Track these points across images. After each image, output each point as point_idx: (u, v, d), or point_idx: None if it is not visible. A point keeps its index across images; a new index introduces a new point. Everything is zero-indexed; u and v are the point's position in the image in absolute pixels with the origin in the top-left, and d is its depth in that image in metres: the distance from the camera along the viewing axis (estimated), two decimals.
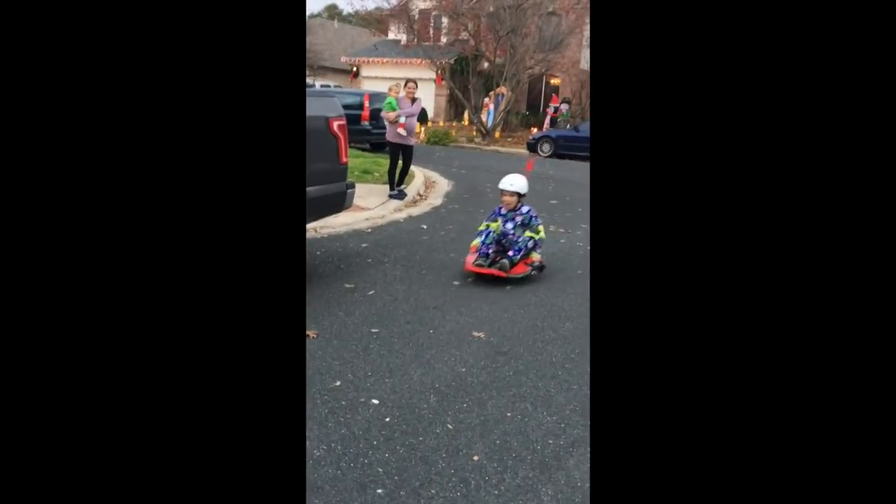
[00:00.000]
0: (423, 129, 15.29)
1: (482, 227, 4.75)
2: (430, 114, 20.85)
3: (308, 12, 28.14)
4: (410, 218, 6.88)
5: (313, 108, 4.14)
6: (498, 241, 4.69)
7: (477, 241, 4.69)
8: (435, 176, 10.20)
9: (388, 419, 2.49)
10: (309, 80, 22.23)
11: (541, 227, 4.74)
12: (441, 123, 20.88)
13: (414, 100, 7.83)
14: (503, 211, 4.79)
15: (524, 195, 4.78)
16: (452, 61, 21.02)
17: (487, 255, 4.60)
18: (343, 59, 26.11)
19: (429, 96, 21.18)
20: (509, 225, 4.73)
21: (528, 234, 4.64)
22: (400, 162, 7.87)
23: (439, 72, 20.15)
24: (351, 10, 38.18)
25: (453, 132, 18.29)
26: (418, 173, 9.66)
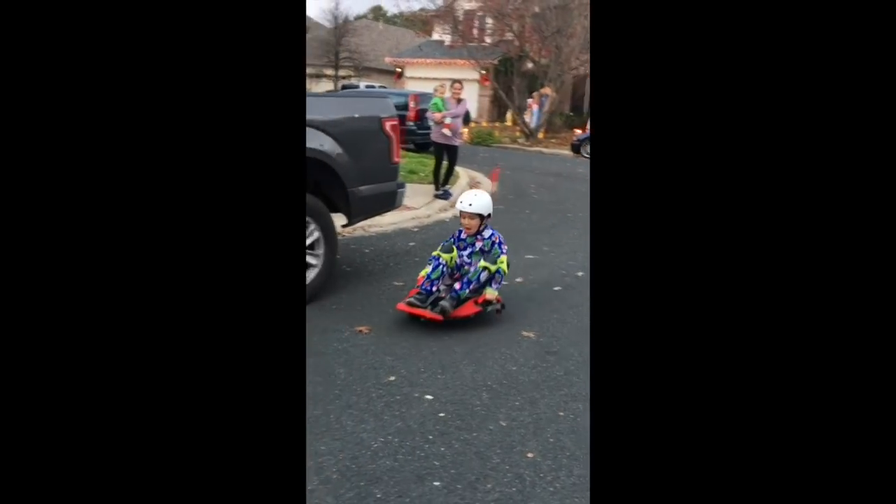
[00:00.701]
0: (466, 129, 15.37)
1: (436, 252, 3.79)
2: (474, 114, 20.90)
3: (354, 13, 28.52)
4: (456, 218, 6.92)
5: (367, 108, 4.24)
6: (451, 275, 3.79)
7: (425, 271, 3.74)
8: (479, 176, 10.23)
9: (442, 414, 2.54)
10: (354, 81, 22.53)
11: (504, 258, 3.70)
12: (484, 124, 20.92)
13: (459, 100, 7.88)
14: (463, 235, 3.82)
15: (487, 216, 3.77)
16: (497, 62, 21.02)
17: (430, 292, 3.64)
18: (387, 59, 26.38)
19: (472, 97, 21.23)
20: (466, 251, 3.80)
21: (481, 264, 3.64)
22: (445, 162, 7.93)
23: (484, 72, 20.17)
24: (396, 11, 38.58)
25: (496, 133, 18.30)
26: (463, 174, 9.72)
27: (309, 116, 3.72)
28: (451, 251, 3.78)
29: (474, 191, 3.86)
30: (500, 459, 2.23)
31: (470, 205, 3.70)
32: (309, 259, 3.85)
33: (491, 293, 3.63)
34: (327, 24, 28.22)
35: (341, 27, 27.66)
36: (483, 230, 3.80)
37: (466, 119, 8.24)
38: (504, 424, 2.48)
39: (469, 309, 3.57)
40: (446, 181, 8.05)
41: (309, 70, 24.93)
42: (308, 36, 24.94)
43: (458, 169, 8.73)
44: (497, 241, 3.76)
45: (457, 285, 3.64)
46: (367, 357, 3.06)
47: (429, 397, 2.68)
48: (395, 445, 2.29)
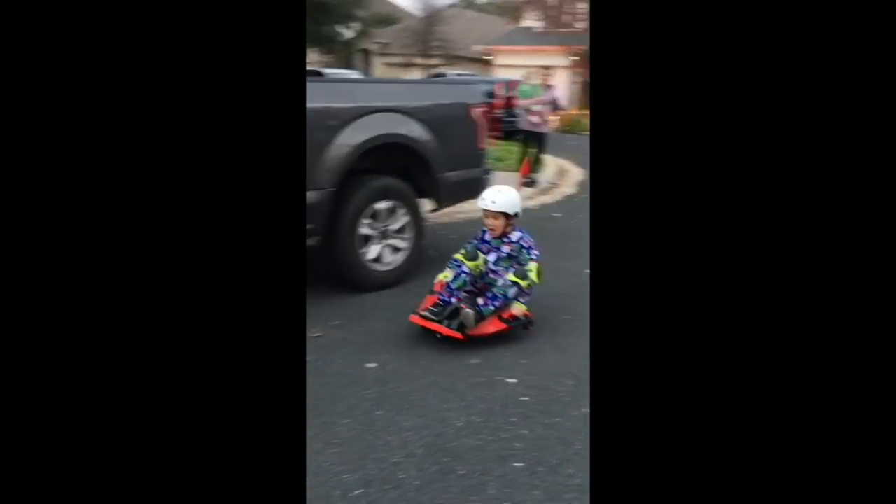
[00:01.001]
0: (556, 116, 15.16)
1: (459, 256, 3.28)
2: (564, 101, 20.58)
3: (445, 2, 28.66)
4: (543, 206, 6.87)
5: (456, 94, 4.29)
6: (474, 282, 3.28)
7: (445, 276, 3.22)
8: (567, 164, 10.07)
9: (525, 398, 2.55)
10: (443, 70, 22.68)
11: (534, 265, 3.17)
12: (574, 111, 20.53)
13: (548, 87, 7.78)
14: (488, 237, 3.34)
15: (515, 215, 3.26)
16: (588, 47, 20.52)
17: (449, 303, 3.13)
18: (476, 47, 26.34)
19: (563, 84, 20.87)
20: (492, 257, 3.29)
21: (511, 276, 3.13)
22: (533, 150, 7.87)
23: (574, 59, 19.77)
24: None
25: (585, 120, 17.90)
26: (551, 162, 9.59)
27: (398, 103, 3.81)
28: (476, 257, 3.25)
29: (499, 186, 3.35)
30: (582, 446, 2.22)
31: (493, 202, 3.18)
32: (397, 243, 3.96)
33: (519, 308, 3.14)
34: (418, 14, 28.53)
35: (432, 16, 27.88)
36: (510, 232, 3.28)
37: (556, 106, 8.11)
38: (587, 412, 2.46)
39: (494, 325, 3.10)
40: (534, 169, 7.98)
41: (398, 59, 25.31)
42: (399, 26, 25.33)
43: (545, 157, 8.63)
44: (527, 245, 3.24)
45: (481, 300, 3.12)
46: (452, 339, 3.11)
47: (512, 381, 2.70)
48: (477, 425, 2.33)
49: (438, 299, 3.16)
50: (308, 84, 3.82)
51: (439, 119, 4.00)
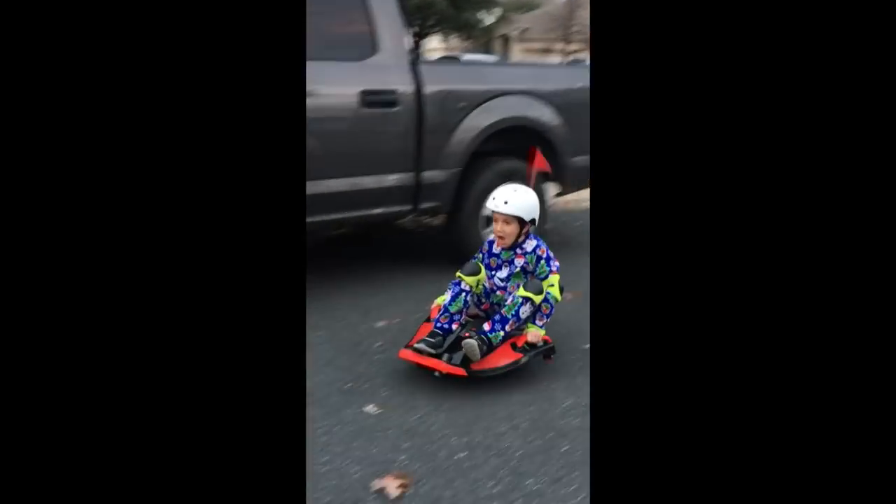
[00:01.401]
0: None
1: (458, 275, 2.63)
2: None
3: None
4: None
5: (587, 79, 4.23)
6: (478, 303, 2.71)
7: (442, 299, 2.63)
8: None
9: None
10: (580, 56, 22.19)
11: (554, 278, 2.61)
12: None
13: None
14: (496, 248, 2.69)
15: (531, 223, 2.59)
16: None
17: (448, 331, 2.49)
18: None
19: None
20: (501, 273, 2.66)
21: (521, 292, 2.48)
22: None
23: None
24: None
25: None
26: None
27: (529, 86, 3.84)
28: (477, 272, 2.62)
29: (513, 185, 2.62)
30: None
31: (505, 202, 2.49)
32: None
33: (534, 332, 2.53)
34: None
35: (573, 1, 27.29)
36: (524, 242, 2.62)
37: None
38: None
39: (504, 355, 2.45)
40: None
41: (538, 45, 25.09)
42: (539, 11, 25.06)
43: None
44: (543, 255, 2.62)
45: (486, 325, 2.48)
46: (568, 322, 3.12)
47: None
48: (584, 407, 2.34)
49: (434, 326, 2.54)
50: (439, 66, 3.97)
51: (569, 103, 3.98)
